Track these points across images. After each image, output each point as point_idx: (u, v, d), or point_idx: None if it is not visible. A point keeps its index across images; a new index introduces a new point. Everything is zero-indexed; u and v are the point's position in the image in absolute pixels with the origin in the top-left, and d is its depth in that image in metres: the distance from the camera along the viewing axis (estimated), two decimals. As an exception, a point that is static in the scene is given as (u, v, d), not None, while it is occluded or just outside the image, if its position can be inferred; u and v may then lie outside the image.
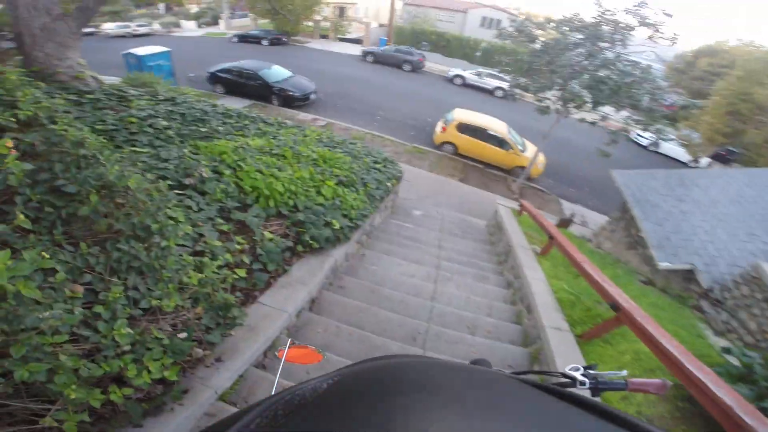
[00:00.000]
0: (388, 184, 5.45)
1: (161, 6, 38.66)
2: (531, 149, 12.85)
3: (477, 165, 12.87)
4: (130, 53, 12.73)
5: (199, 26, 34.45)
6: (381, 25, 32.80)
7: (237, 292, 2.57)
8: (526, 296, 4.17)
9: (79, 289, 1.43)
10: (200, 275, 2.06)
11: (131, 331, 1.46)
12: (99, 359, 1.38)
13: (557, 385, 0.84)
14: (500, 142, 12.40)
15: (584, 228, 11.25)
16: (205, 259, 2.26)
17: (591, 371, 0.97)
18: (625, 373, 1.00)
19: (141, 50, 12.80)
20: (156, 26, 30.55)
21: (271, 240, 3.01)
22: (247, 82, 13.75)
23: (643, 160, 18.33)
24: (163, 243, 1.71)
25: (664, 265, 6.40)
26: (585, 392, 0.89)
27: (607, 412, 0.38)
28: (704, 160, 19.90)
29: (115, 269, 1.58)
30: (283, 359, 0.82)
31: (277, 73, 14.26)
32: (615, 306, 3.01)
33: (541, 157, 12.56)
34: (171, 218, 2.10)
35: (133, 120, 3.92)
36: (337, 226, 3.61)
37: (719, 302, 6.08)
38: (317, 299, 3.34)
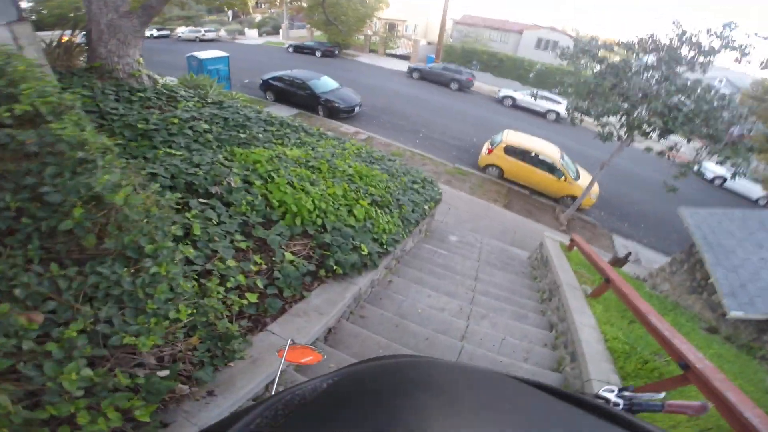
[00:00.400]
0: (426, 207, 5.11)
1: (229, 13, 40.98)
2: (584, 177, 12.05)
3: (522, 191, 12.23)
4: (192, 56, 13.33)
5: (261, 35, 36.13)
6: (429, 43, 32.76)
7: (244, 319, 2.29)
8: (572, 342, 3.70)
9: (38, 319, 1.20)
10: (202, 301, 1.80)
11: (90, 373, 1.19)
12: (45, 401, 1.13)
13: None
14: (551, 168, 11.68)
15: (637, 266, 10.32)
16: (212, 283, 2.00)
17: (626, 393, 0.94)
18: (662, 395, 0.94)
19: (203, 54, 13.38)
20: (222, 32, 32.36)
21: (291, 262, 2.75)
22: (296, 91, 14.05)
23: (706, 195, 16.82)
24: (153, 269, 1.45)
25: (736, 314, 5.61)
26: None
27: (607, 412, 0.39)
28: None
29: (89, 296, 1.34)
30: (283, 359, 0.78)
31: (325, 83, 14.45)
32: (684, 365, 2.59)
33: (595, 188, 11.71)
34: (174, 237, 1.86)
35: (175, 121, 3.86)
36: (365, 251, 3.31)
37: None
38: (335, 329, 3.03)
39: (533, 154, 11.75)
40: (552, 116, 21.00)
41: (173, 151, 3.29)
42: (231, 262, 2.33)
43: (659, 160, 9.66)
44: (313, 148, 5.00)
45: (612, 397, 0.92)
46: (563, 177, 11.54)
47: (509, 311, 4.49)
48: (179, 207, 2.60)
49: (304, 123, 6.29)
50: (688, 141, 8.64)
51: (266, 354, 2.23)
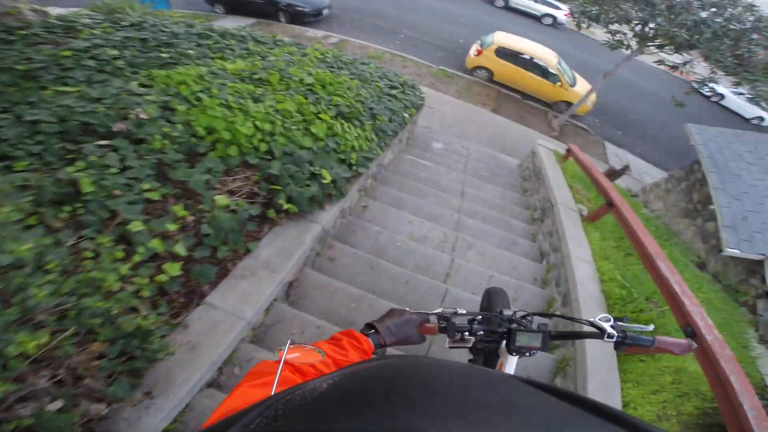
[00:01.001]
0: (405, 114, 4.35)
1: None
2: (581, 84, 11.04)
3: (514, 95, 11.22)
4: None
5: None
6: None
7: (167, 298, 1.75)
8: (565, 280, 3.30)
9: None
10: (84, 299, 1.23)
11: None
12: None
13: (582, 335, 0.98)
14: (546, 73, 10.61)
15: (627, 177, 9.92)
16: (106, 260, 1.42)
17: (621, 323, 0.92)
18: (651, 328, 0.93)
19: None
20: None
21: (227, 207, 2.12)
22: None
23: (702, 110, 16.14)
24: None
25: (731, 251, 5.22)
26: (610, 345, 0.91)
27: (607, 412, 0.37)
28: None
29: None
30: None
31: None
32: (691, 332, 2.20)
33: (592, 95, 10.83)
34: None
35: (68, 53, 2.95)
36: (327, 178, 2.67)
37: None
38: (297, 281, 2.54)
39: (527, 57, 10.56)
40: (548, 20, 18.90)
41: (67, 88, 2.46)
42: (137, 224, 1.70)
43: (658, 73, 8.69)
44: (263, 58, 4.05)
45: (608, 327, 0.91)
46: (559, 82, 10.59)
47: (497, 236, 4.05)
48: (71, 157, 1.90)
49: (260, 32, 5.16)
50: (707, 59, 7.55)
51: (207, 336, 1.75)
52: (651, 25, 7.47)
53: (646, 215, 6.57)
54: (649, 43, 7.81)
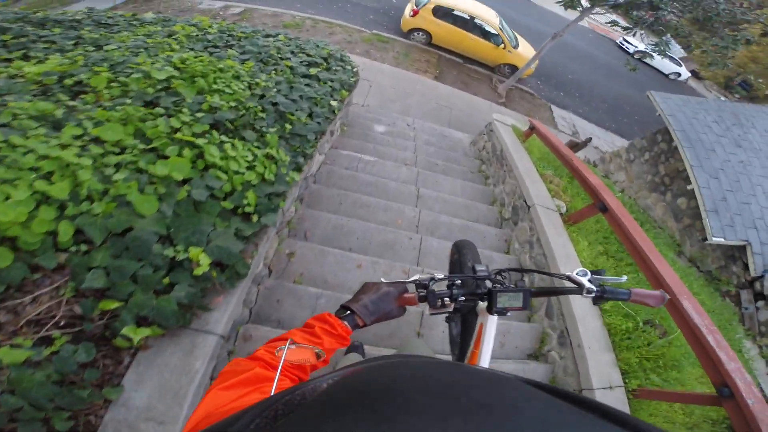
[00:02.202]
0: (333, 101, 3.07)
1: None
2: (524, 46, 10.14)
3: (455, 59, 10.04)
4: None
5: None
6: None
7: None
8: (558, 313, 2.64)
9: None
10: None
11: None
12: None
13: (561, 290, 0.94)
14: (487, 34, 9.53)
15: (575, 138, 9.33)
16: None
17: (597, 277, 0.90)
18: (624, 279, 0.92)
19: None
20: None
21: (28, 360, 0.87)
22: None
23: (623, 66, 15.94)
24: None
25: (717, 240, 4.59)
26: (588, 299, 0.89)
27: (607, 412, 0.36)
28: (685, 74, 18.43)
29: None
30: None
31: None
32: (729, 393, 1.81)
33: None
34: None
35: None
36: (203, 264, 1.52)
37: (764, 297, 4.51)
38: None
39: (467, 17, 9.36)
40: None
41: None
42: None
43: (585, 31, 8.07)
44: (98, 48, 2.57)
45: (585, 282, 0.89)
46: (502, 44, 9.57)
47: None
48: None
49: (115, 12, 3.53)
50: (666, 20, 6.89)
51: None
52: None
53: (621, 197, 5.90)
54: (602, 3, 6.91)
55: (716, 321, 3.71)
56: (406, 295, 0.90)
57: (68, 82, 2.04)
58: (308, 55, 3.52)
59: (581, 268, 0.92)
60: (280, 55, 3.20)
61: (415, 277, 0.90)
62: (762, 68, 16.83)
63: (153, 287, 1.40)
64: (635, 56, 17.35)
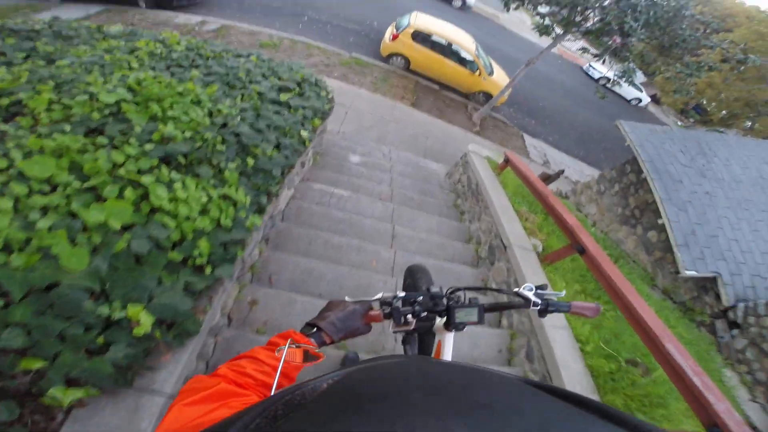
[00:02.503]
0: (304, 132, 2.88)
1: None
2: (498, 73, 10.39)
3: (431, 85, 10.19)
4: None
5: None
6: None
7: None
8: (539, 357, 2.58)
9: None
10: None
11: None
12: None
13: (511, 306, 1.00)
14: (464, 61, 9.69)
15: (547, 168, 9.55)
16: None
17: (541, 291, 0.97)
18: (563, 293, 0.99)
19: None
20: None
21: None
22: None
23: (589, 92, 17.10)
24: None
25: (689, 273, 4.69)
26: (534, 312, 0.98)
27: (608, 412, 0.37)
28: (645, 99, 19.52)
29: None
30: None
31: None
32: (714, 425, 1.84)
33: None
34: None
35: None
36: (144, 325, 1.30)
37: (738, 326, 4.62)
38: None
39: (445, 43, 9.53)
40: (458, 3, 18.42)
41: None
42: None
43: (553, 57, 8.38)
44: (51, 62, 2.32)
45: (531, 296, 0.95)
46: (477, 71, 9.74)
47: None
48: None
49: (80, 24, 3.28)
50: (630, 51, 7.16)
51: None
52: (579, 9, 6.81)
53: (595, 234, 5.97)
54: (575, 29, 7.16)
55: (694, 352, 3.81)
56: (371, 313, 0.93)
57: (4, 101, 1.77)
58: (280, 79, 3.35)
59: (528, 284, 0.99)
60: (249, 78, 3.01)
61: (379, 296, 0.95)
62: (716, 93, 18.13)
63: (84, 347, 1.20)
64: (600, 82, 18.49)
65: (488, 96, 9.99)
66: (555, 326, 2.63)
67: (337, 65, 8.83)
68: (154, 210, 1.62)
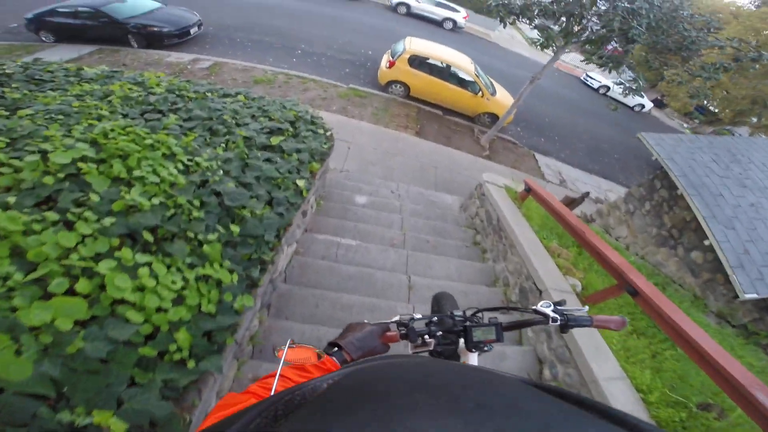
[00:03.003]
0: (300, 180, 2.55)
1: None
2: (501, 93, 10.25)
3: (434, 111, 10.04)
4: None
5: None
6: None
7: None
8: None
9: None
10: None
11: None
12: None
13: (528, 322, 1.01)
14: (464, 83, 9.57)
15: (564, 189, 9.19)
16: None
17: (560, 307, 0.98)
18: (587, 309, 1.00)
19: None
20: None
21: None
22: (87, 23, 9.32)
23: (593, 102, 17.45)
24: None
25: (750, 296, 4.22)
26: (555, 328, 1.09)
27: (607, 412, 0.38)
28: (648, 104, 19.57)
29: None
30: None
31: (134, 6, 9.84)
32: None
33: (511, 103, 10.17)
34: None
35: None
36: None
37: None
38: None
39: (443, 66, 9.45)
40: (449, 25, 18.98)
41: None
42: None
43: (551, 70, 8.25)
44: (15, 111, 2.06)
45: (549, 312, 0.96)
46: (480, 92, 9.61)
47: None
48: None
49: (58, 65, 3.14)
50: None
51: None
52: (580, 19, 6.72)
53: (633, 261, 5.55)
54: (574, 40, 7.02)
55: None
56: (388, 333, 0.96)
57: None
58: (271, 119, 3.08)
59: (545, 301, 1.00)
60: (236, 121, 2.73)
61: (396, 318, 1.00)
62: (722, 92, 18.25)
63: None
64: (600, 91, 18.91)
65: (494, 117, 9.83)
66: (609, 378, 2.30)
67: (335, 98, 8.71)
68: (116, 302, 1.28)
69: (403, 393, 0.36)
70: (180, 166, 1.84)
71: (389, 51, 9.96)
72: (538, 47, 7.20)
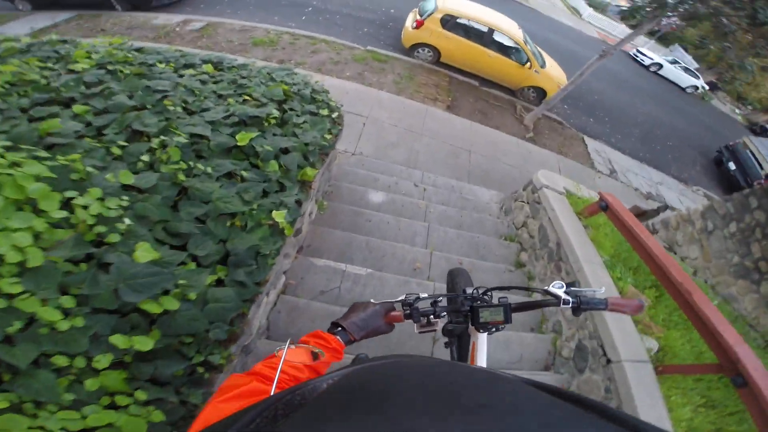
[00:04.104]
0: (280, 215, 1.68)
1: None
2: (552, 65, 9.14)
3: (469, 80, 8.94)
4: None
5: None
6: None
7: None
8: None
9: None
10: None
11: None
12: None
13: (539, 303, 1.03)
14: (507, 50, 8.46)
15: (613, 181, 8.20)
16: None
17: (573, 288, 0.98)
18: (603, 290, 0.98)
19: None
20: None
21: None
22: None
23: (642, 80, 16.54)
24: None
25: None
26: (567, 310, 1.03)
27: (607, 411, 0.39)
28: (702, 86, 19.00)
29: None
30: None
31: None
32: None
33: (562, 76, 9.06)
34: None
35: None
36: None
37: None
38: None
39: (484, 29, 8.30)
40: None
41: None
42: None
43: (592, 42, 7.38)
44: None
45: (561, 293, 0.95)
46: (527, 62, 8.47)
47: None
48: None
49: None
50: None
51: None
52: None
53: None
54: (669, 12, 6.03)
55: None
56: (392, 313, 1.00)
57: None
58: (247, 100, 2.23)
59: (557, 281, 0.99)
60: (186, 106, 1.89)
61: (402, 297, 1.01)
62: None
63: None
64: (651, 69, 18.28)
65: (539, 92, 8.87)
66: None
67: (349, 62, 7.69)
68: None
69: (403, 393, 0.37)
70: (43, 225, 1.04)
71: (416, 9, 8.77)
72: (627, 18, 6.30)
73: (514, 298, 2.76)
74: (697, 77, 18.43)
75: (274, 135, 2.05)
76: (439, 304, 0.99)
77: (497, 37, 8.37)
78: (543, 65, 8.74)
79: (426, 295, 0.98)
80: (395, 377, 0.46)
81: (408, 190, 4.39)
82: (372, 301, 1.01)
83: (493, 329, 0.99)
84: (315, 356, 0.77)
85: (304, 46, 7.65)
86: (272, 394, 0.56)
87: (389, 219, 3.55)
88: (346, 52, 7.93)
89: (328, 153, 2.75)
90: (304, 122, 2.39)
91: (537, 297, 2.38)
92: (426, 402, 0.35)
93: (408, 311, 0.95)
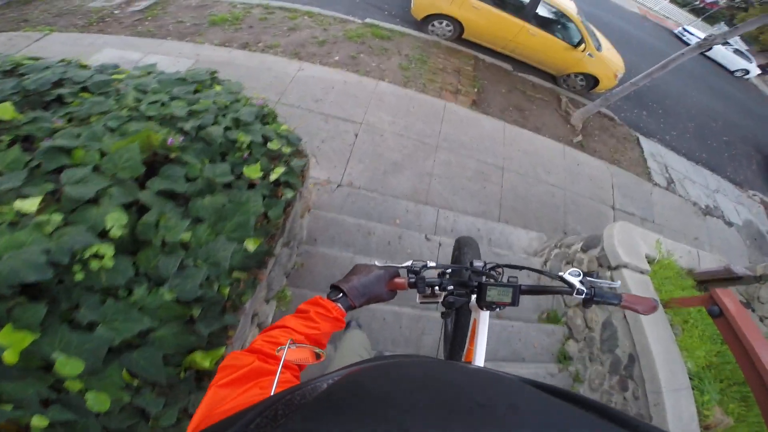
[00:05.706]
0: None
1: None
2: (608, 48, 8.49)
3: (499, 63, 8.22)
4: None
5: None
6: None
7: None
8: None
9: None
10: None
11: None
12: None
13: (552, 288, 1.11)
14: (552, 27, 7.77)
15: (672, 195, 7.38)
16: None
17: (590, 278, 1.05)
18: (618, 284, 1.07)
19: None
20: None
21: None
22: None
23: (688, 62, 15.78)
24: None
25: None
26: (578, 300, 1.05)
27: (608, 412, 0.42)
28: (754, 70, 19.40)
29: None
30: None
31: None
32: None
33: (621, 62, 8.45)
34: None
35: None
36: None
37: None
38: None
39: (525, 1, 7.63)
40: None
41: None
42: None
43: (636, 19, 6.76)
44: None
45: (576, 282, 1.03)
46: (581, 44, 7.75)
47: None
48: None
49: None
50: None
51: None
52: None
53: None
54: None
55: None
56: (396, 280, 1.06)
57: None
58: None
59: (574, 269, 1.07)
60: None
61: (408, 263, 1.08)
62: None
63: None
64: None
65: (589, 80, 8.24)
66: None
67: (340, 40, 6.91)
68: None
69: (402, 393, 0.40)
70: None
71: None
72: None
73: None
74: (749, 60, 18.96)
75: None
76: (446, 276, 1.09)
77: (544, 8, 7.60)
78: (599, 48, 8.07)
79: (434, 264, 1.08)
80: (396, 377, 0.49)
81: (416, 247, 3.58)
82: (376, 263, 1.06)
83: (497, 308, 1.07)
84: (317, 356, 0.79)
85: (280, 21, 6.94)
86: (272, 394, 0.59)
87: (386, 315, 2.73)
88: (336, 28, 7.21)
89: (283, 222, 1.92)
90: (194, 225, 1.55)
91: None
92: (427, 402, 0.38)
93: (413, 279, 1.02)
